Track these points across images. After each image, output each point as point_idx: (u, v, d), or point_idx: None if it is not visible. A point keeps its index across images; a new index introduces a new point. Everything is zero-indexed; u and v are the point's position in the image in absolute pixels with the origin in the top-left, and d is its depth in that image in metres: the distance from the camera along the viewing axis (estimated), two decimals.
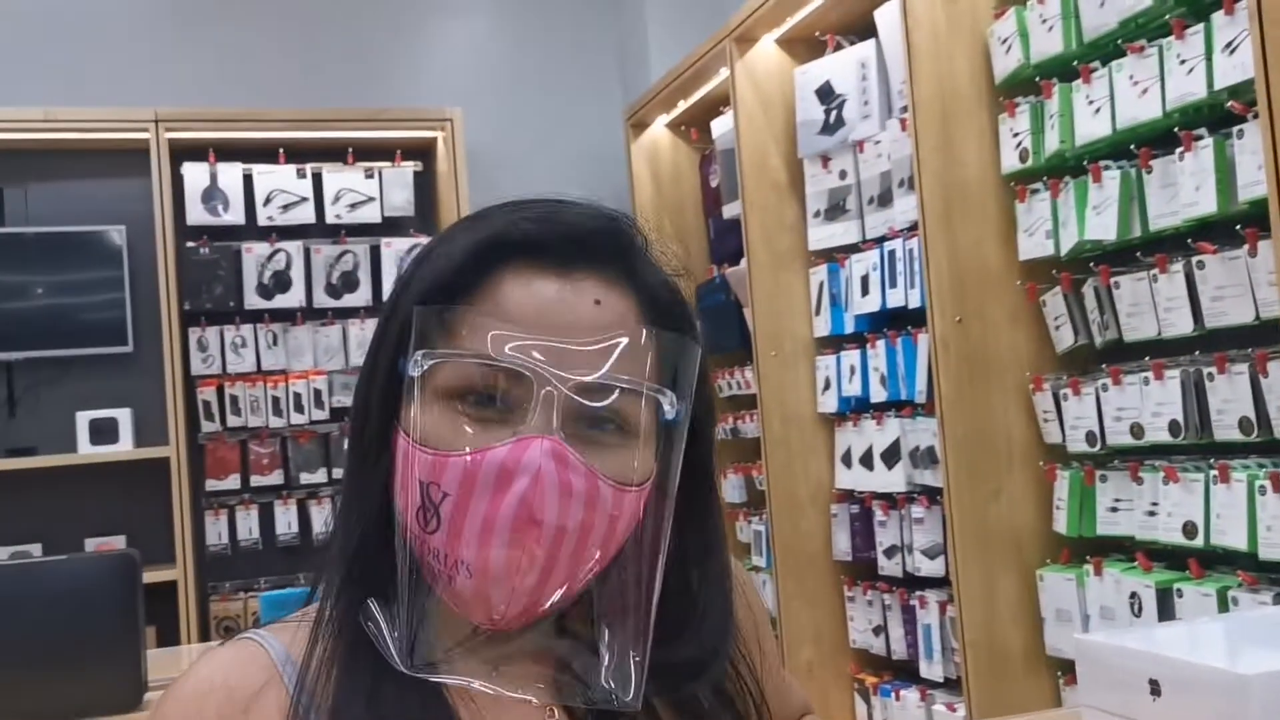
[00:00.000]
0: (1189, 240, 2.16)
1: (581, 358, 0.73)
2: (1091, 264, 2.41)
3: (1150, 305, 2.24)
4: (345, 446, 0.84)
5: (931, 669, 2.95)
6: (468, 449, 0.72)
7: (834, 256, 3.26)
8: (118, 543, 3.82)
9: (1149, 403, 2.25)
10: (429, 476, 0.72)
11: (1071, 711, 1.35)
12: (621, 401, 0.75)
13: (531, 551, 0.71)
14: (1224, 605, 2.08)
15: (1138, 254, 2.28)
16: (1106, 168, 2.29)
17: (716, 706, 0.83)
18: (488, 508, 0.71)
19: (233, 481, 4.01)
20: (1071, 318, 2.49)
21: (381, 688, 0.74)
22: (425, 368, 0.73)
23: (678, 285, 0.84)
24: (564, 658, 0.77)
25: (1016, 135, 2.52)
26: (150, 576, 3.46)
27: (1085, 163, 2.36)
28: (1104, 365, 2.40)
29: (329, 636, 0.76)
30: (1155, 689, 0.93)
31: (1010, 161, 2.55)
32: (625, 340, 0.75)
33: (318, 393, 4.05)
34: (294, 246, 4.09)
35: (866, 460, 3.12)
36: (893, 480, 3.00)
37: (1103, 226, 2.29)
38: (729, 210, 3.70)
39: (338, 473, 4.05)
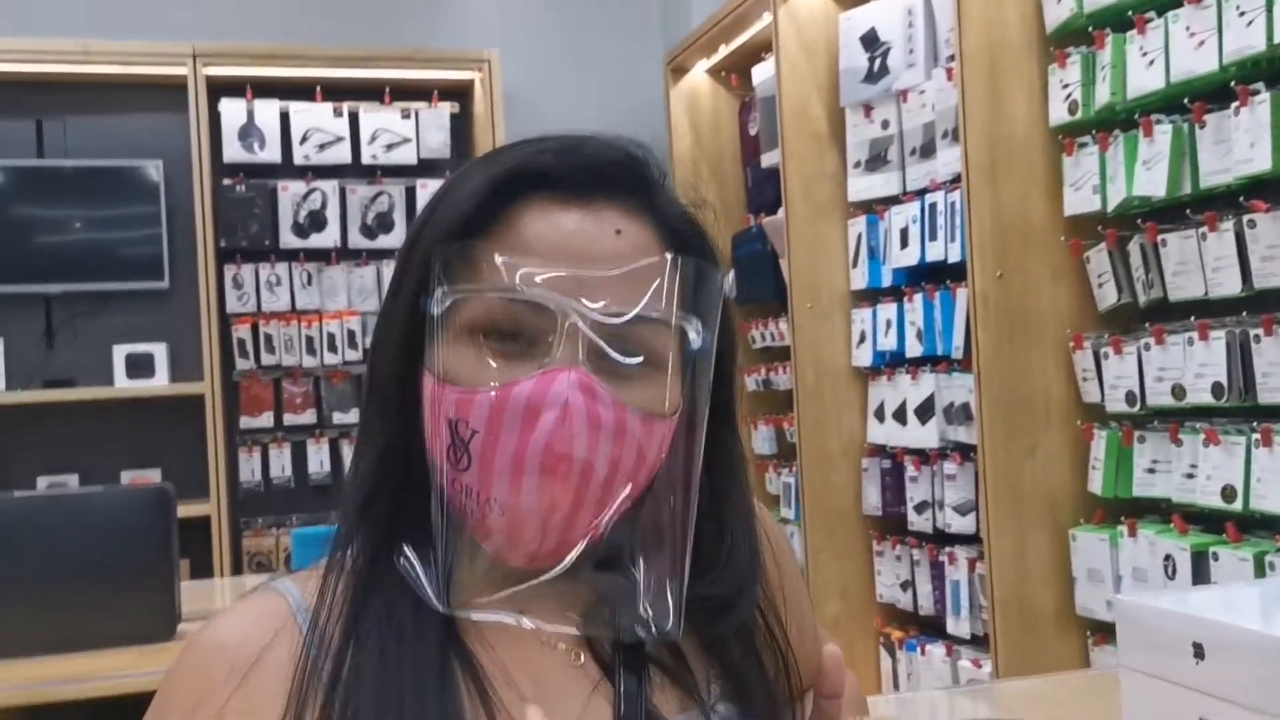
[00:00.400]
0: (1240, 198, 2.11)
1: (605, 288, 0.72)
2: (1139, 221, 2.36)
3: (1198, 264, 2.20)
4: (365, 390, 0.81)
5: (959, 625, 2.94)
6: (493, 384, 0.71)
7: (873, 208, 3.21)
8: (153, 476, 3.86)
9: (1192, 363, 2.21)
10: (457, 414, 0.71)
11: (1109, 672, 1.33)
12: (647, 332, 0.73)
13: (561, 486, 0.70)
14: (1260, 570, 2.06)
15: (1187, 211, 2.23)
16: (1158, 122, 2.23)
17: (745, 658, 0.82)
18: (517, 443, 0.70)
19: (266, 419, 4.04)
20: (1116, 275, 2.45)
21: (399, 632, 0.73)
22: (448, 304, 0.72)
23: (695, 216, 0.82)
24: (600, 592, 0.76)
25: (1066, 87, 2.47)
26: (184, 511, 3.49)
27: (1136, 116, 2.30)
28: (1147, 324, 2.36)
29: (342, 582, 0.75)
30: (1199, 652, 0.91)
31: (1059, 114, 2.50)
32: (650, 262, 0.74)
33: (351, 333, 4.06)
34: (329, 186, 4.08)
35: (900, 415, 3.10)
36: (926, 436, 2.98)
37: (1152, 182, 2.24)
38: (768, 159, 3.65)
39: None
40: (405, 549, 0.74)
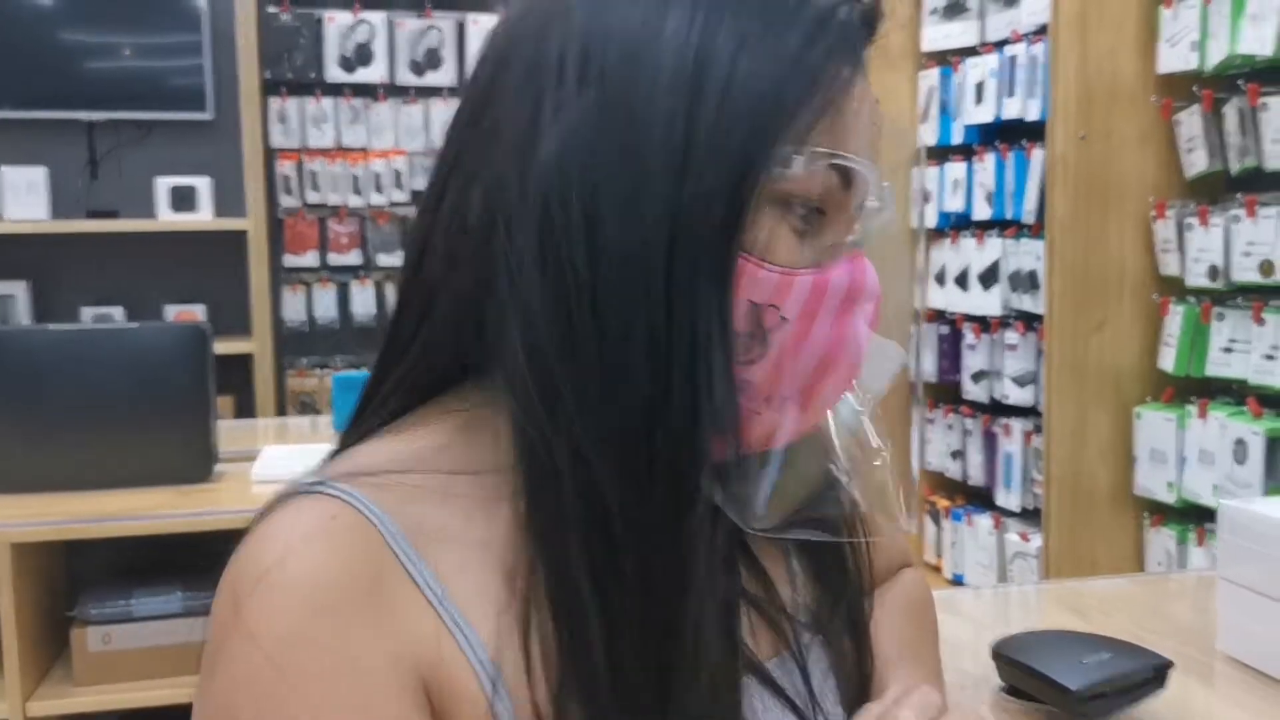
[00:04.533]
0: None
1: (878, 162, 0.62)
2: (1239, 82, 2.19)
3: None
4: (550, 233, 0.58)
5: (1009, 498, 2.87)
6: (809, 267, 0.59)
7: (948, 59, 3.03)
8: (197, 311, 3.83)
9: None
10: (768, 298, 0.58)
11: (1203, 576, 1.25)
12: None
13: (851, 382, 0.62)
14: None
15: None
16: None
17: (838, 566, 0.74)
18: (831, 334, 0.60)
19: (311, 259, 3.97)
20: (1208, 140, 2.28)
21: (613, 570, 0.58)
22: (792, 167, 0.58)
23: None
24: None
25: None
26: (227, 348, 3.47)
27: None
28: (1238, 195, 2.21)
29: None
30: None
31: None
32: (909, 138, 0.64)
33: (398, 173, 3.95)
34: (377, 18, 3.92)
35: (962, 280, 2.98)
36: (988, 303, 2.86)
37: (1258, 39, 2.07)
38: None
39: None
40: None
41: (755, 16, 0.59)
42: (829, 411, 0.64)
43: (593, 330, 0.57)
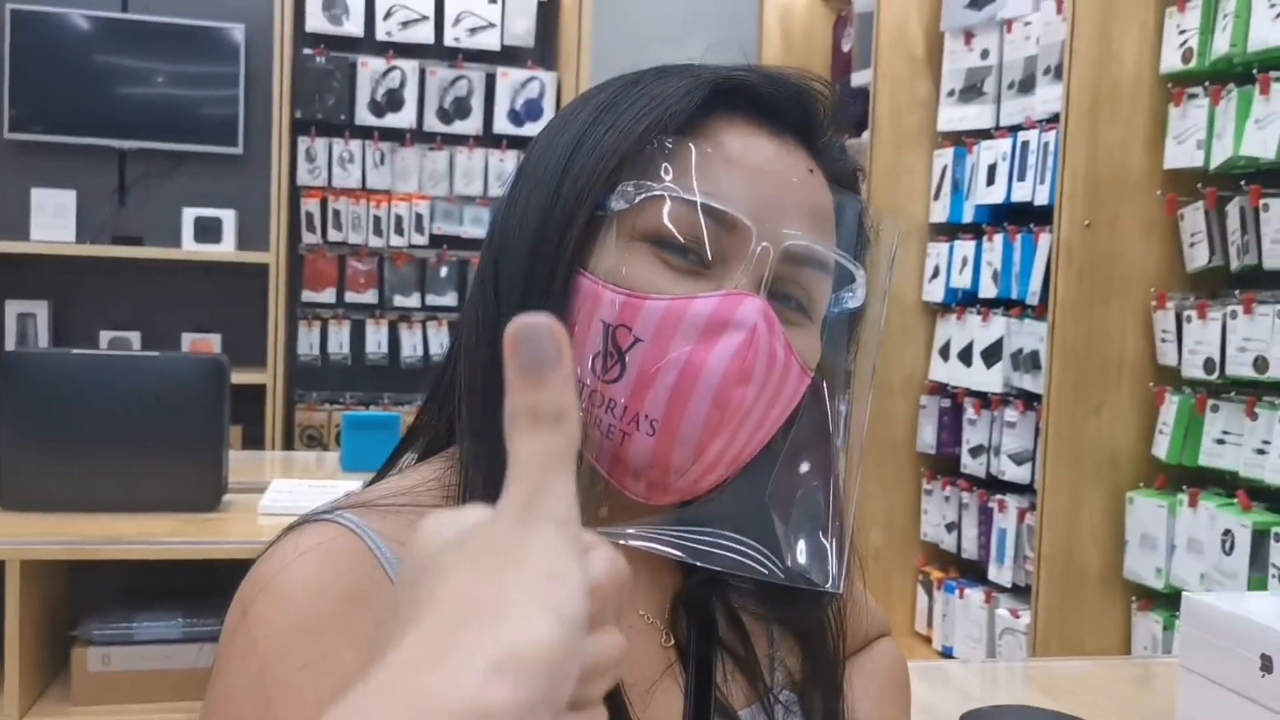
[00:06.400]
0: None
1: (794, 223, 0.67)
2: (1242, 182, 2.25)
3: None
4: (479, 286, 0.71)
5: (1000, 573, 2.90)
6: (670, 294, 0.65)
7: (963, 140, 3.10)
8: (214, 341, 3.89)
9: None
10: (618, 319, 0.64)
11: (1164, 663, 1.29)
12: (818, 280, 0.69)
13: (730, 414, 0.64)
14: None
15: None
16: (1278, 79, 2.11)
17: (817, 639, 0.78)
18: (690, 357, 0.63)
19: (328, 295, 4.04)
20: (1210, 236, 2.34)
21: None
22: (635, 201, 0.66)
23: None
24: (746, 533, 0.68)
25: (1183, 33, 2.34)
26: (241, 378, 3.52)
27: (1255, 71, 2.17)
28: (1237, 291, 2.26)
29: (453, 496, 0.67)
30: (1267, 665, 0.86)
31: (1171, 60, 2.37)
32: (845, 203, 0.70)
33: (419, 217, 4.03)
34: (410, 66, 4.01)
35: (965, 356, 3.03)
36: (990, 380, 2.91)
37: (1262, 142, 2.13)
38: (858, 78, 3.53)
39: (431, 299, 4.07)
40: None
41: (623, 106, 0.69)
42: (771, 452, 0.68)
43: (483, 343, 0.68)
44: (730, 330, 0.64)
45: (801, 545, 0.68)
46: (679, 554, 0.65)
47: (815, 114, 0.71)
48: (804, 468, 0.70)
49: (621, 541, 0.64)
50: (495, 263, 0.70)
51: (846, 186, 0.73)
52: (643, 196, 0.66)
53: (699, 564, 0.66)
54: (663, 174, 0.66)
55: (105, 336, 3.83)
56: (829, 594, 0.71)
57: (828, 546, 0.68)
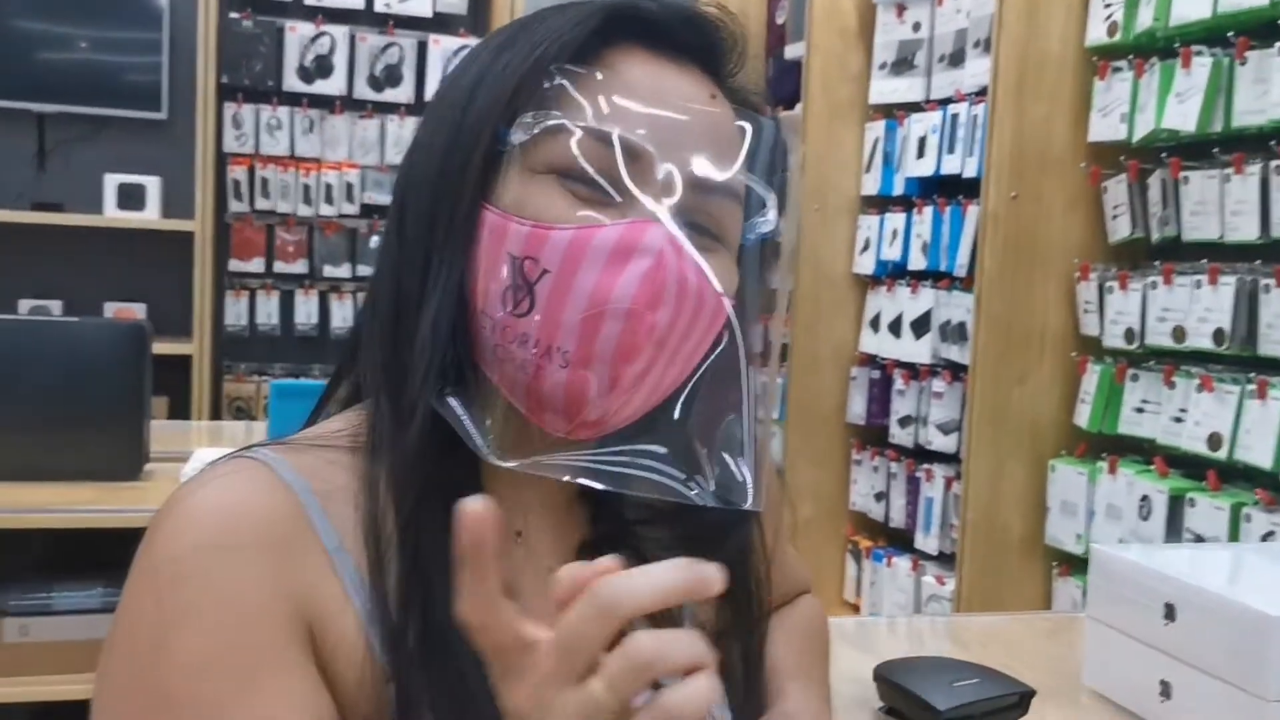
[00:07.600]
0: (1272, 142, 2.04)
1: (699, 148, 0.67)
2: (1163, 154, 2.29)
3: (1217, 205, 2.13)
4: (386, 233, 0.71)
5: (927, 541, 2.94)
6: (575, 223, 0.64)
7: (894, 113, 3.12)
8: (137, 310, 3.82)
9: (1197, 307, 2.16)
10: (524, 250, 0.64)
11: (1074, 616, 1.32)
12: (729, 208, 0.69)
13: (642, 340, 0.63)
14: (1236, 521, 2.04)
15: (1214, 150, 2.16)
16: (1198, 53, 2.15)
17: (739, 578, 0.78)
18: (597, 285, 0.63)
19: (256, 265, 3.98)
20: (1132, 208, 2.38)
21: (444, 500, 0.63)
22: (535, 132, 0.65)
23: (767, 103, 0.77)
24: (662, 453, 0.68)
25: (1108, 7, 2.37)
26: (166, 348, 3.47)
27: (1176, 45, 2.21)
28: (1157, 262, 2.31)
29: (374, 455, 0.67)
30: (1169, 613, 0.88)
31: (1096, 34, 2.40)
32: (744, 126, 0.70)
33: (349, 186, 3.98)
34: (339, 31, 3.95)
35: (895, 327, 3.06)
36: (918, 351, 2.95)
37: (1183, 115, 2.17)
38: (791, 51, 3.54)
39: (362, 270, 4.02)
40: (449, 397, 0.65)
41: (520, 41, 0.69)
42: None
43: (389, 286, 0.69)
44: (637, 256, 0.63)
45: (720, 468, 0.68)
46: (598, 483, 0.64)
47: (715, 39, 0.72)
48: (723, 394, 0.69)
49: (541, 472, 0.64)
50: (401, 204, 0.70)
51: (754, 110, 0.73)
52: (542, 127, 0.66)
53: (617, 490, 0.65)
54: (561, 104, 0.66)
55: (25, 305, 3.74)
56: (746, 515, 0.71)
57: (746, 469, 0.68)
